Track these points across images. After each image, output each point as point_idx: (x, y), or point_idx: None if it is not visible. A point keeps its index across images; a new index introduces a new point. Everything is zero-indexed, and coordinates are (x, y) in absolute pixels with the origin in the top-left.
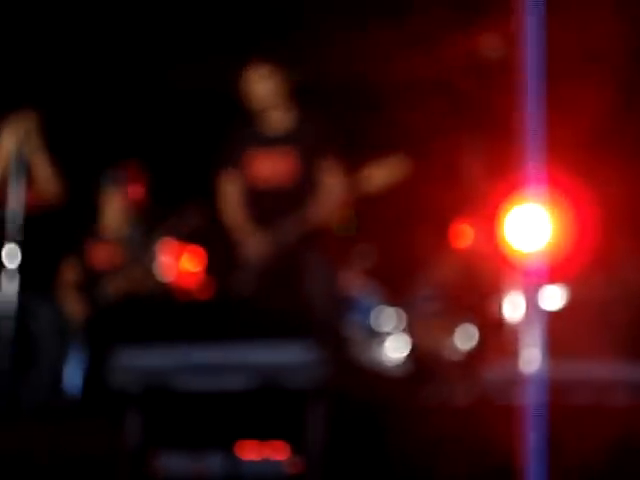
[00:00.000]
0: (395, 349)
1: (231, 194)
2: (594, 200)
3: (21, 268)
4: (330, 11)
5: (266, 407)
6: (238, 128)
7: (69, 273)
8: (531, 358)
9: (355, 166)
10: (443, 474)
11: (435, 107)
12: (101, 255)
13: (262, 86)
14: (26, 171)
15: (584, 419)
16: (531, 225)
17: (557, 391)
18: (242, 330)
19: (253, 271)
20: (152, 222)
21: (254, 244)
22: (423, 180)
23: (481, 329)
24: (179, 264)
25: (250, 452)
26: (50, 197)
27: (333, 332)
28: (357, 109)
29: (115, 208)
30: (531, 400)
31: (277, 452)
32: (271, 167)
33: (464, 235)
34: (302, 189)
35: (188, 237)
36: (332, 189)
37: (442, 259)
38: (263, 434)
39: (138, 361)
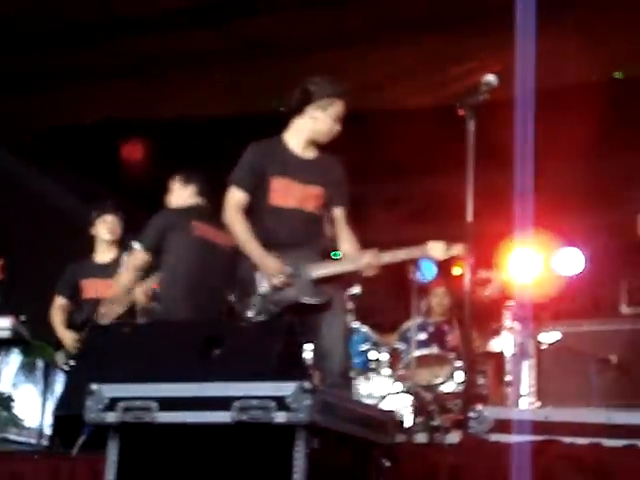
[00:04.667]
0: (383, 385)
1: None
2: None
3: None
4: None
5: (249, 442)
6: (264, 147)
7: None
8: (521, 396)
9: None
10: None
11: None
12: (90, 287)
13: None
14: None
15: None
16: (525, 263)
17: (546, 428)
18: (225, 361)
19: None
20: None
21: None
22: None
23: (470, 365)
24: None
25: None
26: None
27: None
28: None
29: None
30: (520, 438)
31: None
32: (298, 192)
33: (459, 269)
34: (322, 224)
35: None
36: (354, 247)
37: (433, 294)
38: (246, 468)
39: (117, 393)
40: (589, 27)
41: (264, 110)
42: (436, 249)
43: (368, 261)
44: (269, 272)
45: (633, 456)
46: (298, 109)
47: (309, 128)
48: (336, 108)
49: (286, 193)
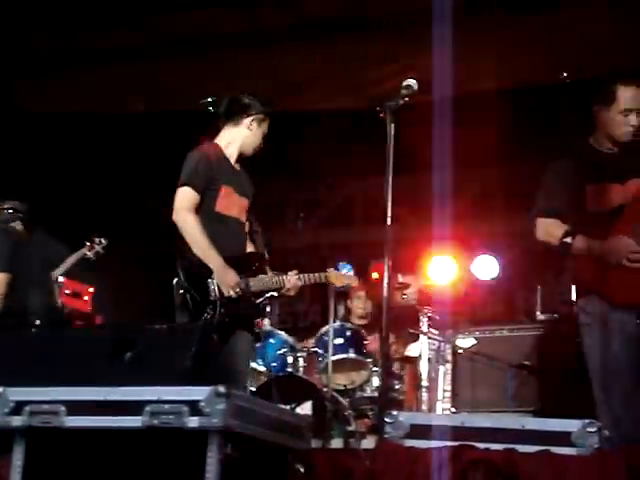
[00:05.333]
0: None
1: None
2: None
3: None
4: None
5: (161, 447)
6: (212, 153)
7: None
8: (437, 401)
9: None
10: None
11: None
12: None
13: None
14: None
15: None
16: (442, 268)
17: (461, 434)
18: (137, 364)
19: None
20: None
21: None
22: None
23: (387, 370)
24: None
25: None
26: None
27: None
28: None
29: None
30: (435, 443)
31: None
32: (238, 203)
33: (380, 272)
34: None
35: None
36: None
37: (354, 297)
38: (158, 474)
39: (23, 396)
40: (506, 34)
41: (181, 108)
42: (334, 277)
43: (295, 282)
44: (227, 283)
45: (546, 461)
46: (233, 119)
47: (242, 139)
48: (266, 125)
49: (230, 202)
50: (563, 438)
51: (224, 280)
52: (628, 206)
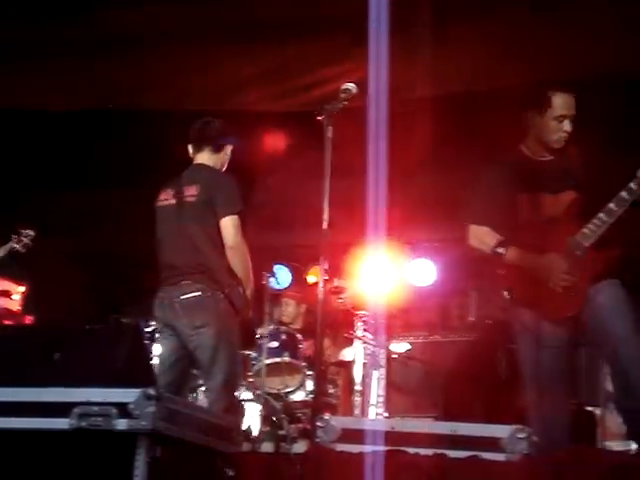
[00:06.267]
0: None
1: None
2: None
3: None
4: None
5: (89, 449)
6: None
7: None
8: (370, 405)
9: None
10: None
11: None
12: None
13: None
14: None
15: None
16: (378, 273)
17: (392, 438)
18: (66, 365)
19: None
20: None
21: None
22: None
23: (321, 374)
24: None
25: None
26: None
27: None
28: None
29: None
30: (366, 448)
31: None
32: None
33: (315, 276)
34: None
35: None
36: None
37: (289, 300)
38: (86, 477)
39: None
40: (439, 40)
41: (122, 105)
42: None
43: None
44: (250, 306)
45: (476, 466)
46: (212, 144)
47: (221, 165)
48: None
49: None
50: (493, 444)
51: (250, 304)
52: (561, 219)
